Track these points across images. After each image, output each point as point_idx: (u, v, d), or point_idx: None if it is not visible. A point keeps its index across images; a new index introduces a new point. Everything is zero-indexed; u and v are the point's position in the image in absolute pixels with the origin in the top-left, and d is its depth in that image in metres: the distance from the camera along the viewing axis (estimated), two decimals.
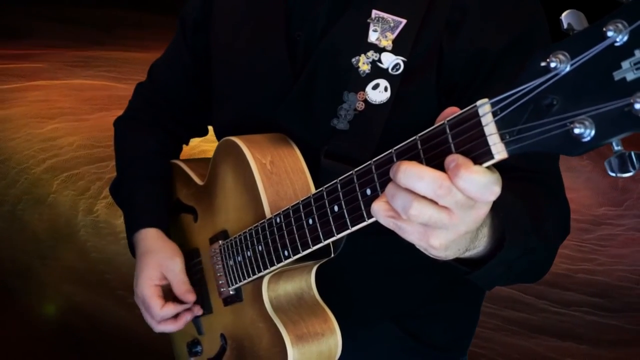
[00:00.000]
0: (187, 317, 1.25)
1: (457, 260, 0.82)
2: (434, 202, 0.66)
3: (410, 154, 0.71)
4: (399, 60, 1.03)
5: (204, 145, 1.48)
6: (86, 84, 6.14)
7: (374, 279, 1.20)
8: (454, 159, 0.64)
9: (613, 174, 0.57)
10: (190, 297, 1.24)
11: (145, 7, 7.60)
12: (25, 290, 3.42)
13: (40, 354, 2.99)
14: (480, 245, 0.81)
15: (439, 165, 0.67)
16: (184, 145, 1.49)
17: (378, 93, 1.04)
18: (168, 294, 1.26)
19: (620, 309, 3.78)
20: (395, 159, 0.73)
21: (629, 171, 0.57)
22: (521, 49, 1.01)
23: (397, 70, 1.03)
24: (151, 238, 1.27)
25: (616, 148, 0.56)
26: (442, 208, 0.67)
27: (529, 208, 0.93)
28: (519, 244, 0.86)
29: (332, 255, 1.05)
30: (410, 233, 0.70)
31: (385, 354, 1.25)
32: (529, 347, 3.40)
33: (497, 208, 0.82)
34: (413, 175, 0.66)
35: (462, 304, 1.28)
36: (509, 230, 0.84)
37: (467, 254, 0.81)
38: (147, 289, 1.23)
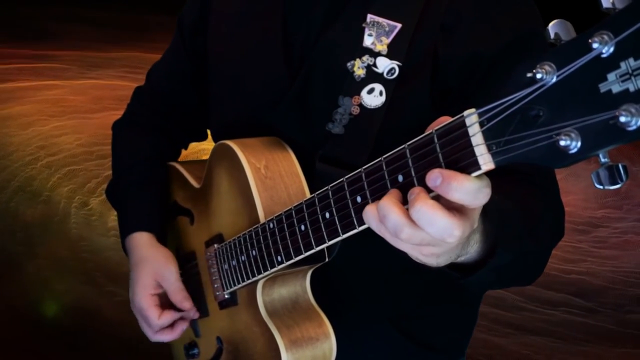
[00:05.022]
0: (182, 327, 1.25)
1: (449, 265, 0.82)
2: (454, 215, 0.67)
3: (399, 163, 0.71)
4: (394, 64, 1.03)
5: (203, 145, 1.49)
6: (99, 84, 6.15)
7: (370, 280, 1.20)
8: (437, 176, 0.64)
9: (600, 187, 0.57)
10: (187, 304, 1.23)
11: (133, 9, 7.58)
12: (14, 284, 3.43)
13: (27, 349, 3.00)
14: (472, 250, 0.81)
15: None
16: (183, 150, 1.49)
17: (373, 97, 1.04)
18: (164, 302, 1.26)
19: (607, 309, 3.78)
20: (384, 167, 0.73)
21: (617, 183, 0.56)
22: (516, 53, 1.00)
23: (392, 74, 1.03)
24: (144, 245, 1.27)
25: (603, 160, 0.56)
26: (462, 219, 0.67)
27: (522, 212, 0.93)
28: (511, 249, 0.86)
29: (327, 260, 1.05)
30: (401, 246, 0.71)
31: (382, 356, 1.25)
32: (573, 350, 3.41)
33: (490, 213, 0.81)
34: (424, 219, 0.65)
35: (459, 305, 1.28)
36: (501, 236, 0.84)
37: (460, 260, 0.81)
38: (144, 300, 1.23)
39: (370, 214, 0.71)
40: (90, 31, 7.12)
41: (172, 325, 1.25)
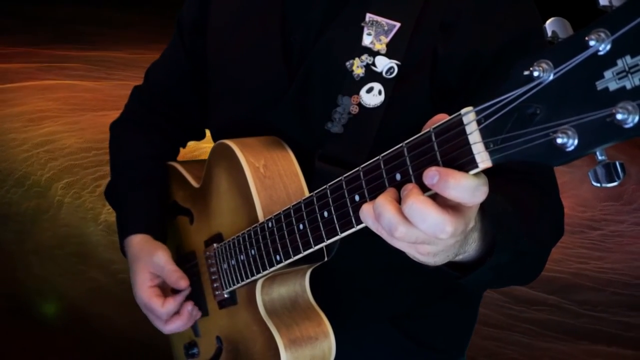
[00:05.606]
0: (188, 308, 1.23)
1: (448, 264, 0.82)
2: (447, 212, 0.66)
3: (397, 161, 0.71)
4: (393, 63, 1.03)
5: (203, 145, 1.51)
6: (105, 84, 6.16)
7: (370, 280, 1.20)
8: (434, 174, 0.64)
9: (598, 185, 0.57)
10: (183, 282, 1.21)
11: (139, 8, 7.61)
12: (36, 299, 3.44)
13: (43, 354, 3.02)
14: (470, 249, 0.81)
15: None
16: (181, 148, 1.49)
17: (372, 97, 1.04)
18: (167, 291, 1.25)
19: (590, 311, 3.77)
20: (382, 166, 0.73)
21: (614, 181, 0.56)
22: (516, 52, 1.00)
23: (391, 73, 1.03)
24: (136, 245, 1.27)
25: (600, 157, 0.56)
26: (457, 216, 0.67)
27: (521, 211, 0.93)
28: (509, 248, 0.86)
29: (326, 259, 1.05)
30: (398, 244, 0.71)
31: (381, 356, 1.25)
32: (557, 349, 3.41)
33: (489, 212, 0.81)
34: (416, 214, 0.65)
35: (459, 305, 1.28)
36: (500, 234, 0.84)
37: (458, 258, 0.81)
38: (145, 293, 1.23)
39: (367, 212, 0.71)
40: (96, 32, 7.13)
41: (178, 312, 1.24)
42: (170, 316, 1.23)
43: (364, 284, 1.20)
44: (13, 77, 6.05)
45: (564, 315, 3.70)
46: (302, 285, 1.12)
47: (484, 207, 0.80)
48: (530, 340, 3.46)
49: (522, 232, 0.90)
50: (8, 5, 7.30)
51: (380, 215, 0.68)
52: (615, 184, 0.56)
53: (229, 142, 1.11)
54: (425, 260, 0.75)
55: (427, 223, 0.65)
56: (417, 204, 0.65)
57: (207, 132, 1.46)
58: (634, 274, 4.18)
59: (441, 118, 0.67)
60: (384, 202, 0.68)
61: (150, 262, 1.23)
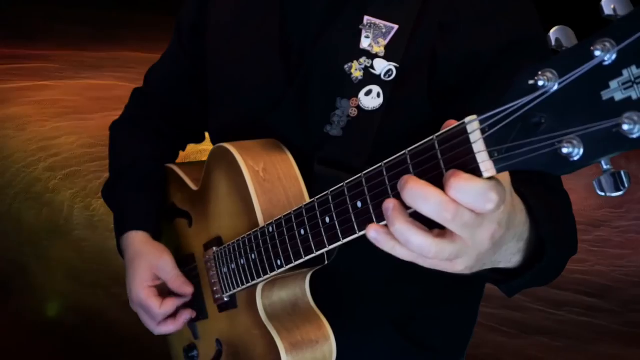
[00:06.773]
0: (185, 316, 1.24)
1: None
2: (431, 234, 0.66)
3: (399, 169, 0.71)
4: (392, 66, 1.03)
5: (203, 145, 1.51)
6: (94, 84, 6.15)
7: (371, 283, 1.20)
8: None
9: (602, 194, 0.57)
10: (188, 289, 1.22)
11: (154, 9, 7.60)
12: (20, 288, 3.44)
13: (35, 353, 3.00)
14: (514, 259, 0.81)
15: (430, 181, 0.66)
16: (181, 151, 1.48)
17: (371, 99, 1.03)
18: (164, 293, 1.25)
19: (614, 310, 3.79)
20: (385, 173, 0.73)
21: (619, 190, 0.56)
22: (515, 52, 0.99)
23: (390, 76, 1.03)
24: (138, 242, 1.27)
25: (605, 167, 0.56)
26: (443, 240, 0.66)
27: (552, 214, 0.92)
28: (550, 254, 0.86)
29: (326, 263, 1.05)
30: (425, 264, 0.70)
31: (382, 357, 1.25)
32: (521, 347, 3.42)
33: (535, 219, 0.81)
34: (418, 196, 0.64)
35: (459, 306, 1.28)
36: (549, 244, 0.83)
37: (501, 266, 0.80)
38: (142, 292, 1.23)
39: (375, 234, 0.69)
40: (85, 31, 7.11)
41: (174, 315, 1.24)
42: (164, 318, 1.23)
43: (364, 286, 1.20)
44: (44, 76, 6.03)
45: (529, 313, 3.72)
46: (303, 288, 1.11)
47: (534, 216, 0.79)
48: (503, 339, 3.47)
49: (557, 236, 0.89)
50: (43, 7, 7.25)
51: (408, 242, 0.66)
52: (620, 193, 0.56)
53: (228, 145, 1.10)
54: (459, 272, 0.73)
55: (430, 203, 0.63)
56: (416, 185, 0.64)
57: (207, 134, 1.46)
58: (609, 278, 4.21)
59: (451, 124, 0.66)
60: (408, 228, 0.65)
61: (155, 264, 1.23)
